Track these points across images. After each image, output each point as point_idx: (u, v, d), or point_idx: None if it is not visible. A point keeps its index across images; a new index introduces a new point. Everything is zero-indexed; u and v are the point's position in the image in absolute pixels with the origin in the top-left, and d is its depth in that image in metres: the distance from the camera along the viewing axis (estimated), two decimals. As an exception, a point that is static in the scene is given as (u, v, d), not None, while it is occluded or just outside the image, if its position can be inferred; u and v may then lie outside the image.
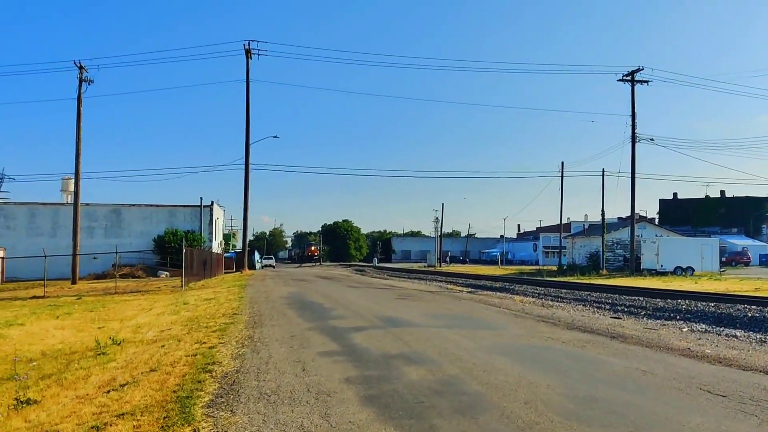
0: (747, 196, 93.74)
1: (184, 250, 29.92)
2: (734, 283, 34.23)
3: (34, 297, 27.89)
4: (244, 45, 47.95)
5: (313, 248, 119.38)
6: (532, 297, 24.03)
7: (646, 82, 48.41)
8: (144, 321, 16.16)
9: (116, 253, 32.58)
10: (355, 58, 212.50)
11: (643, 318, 16.65)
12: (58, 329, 15.95)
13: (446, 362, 8.42)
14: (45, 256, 30.08)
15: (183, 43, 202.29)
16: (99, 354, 10.73)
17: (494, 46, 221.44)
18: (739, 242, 77.36)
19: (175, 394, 6.71)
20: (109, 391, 7.24)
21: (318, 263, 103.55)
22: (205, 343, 10.43)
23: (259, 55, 48.43)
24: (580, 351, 9.79)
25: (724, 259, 60.89)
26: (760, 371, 8.28)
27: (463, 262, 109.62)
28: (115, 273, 47.79)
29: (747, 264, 67.11)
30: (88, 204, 56.01)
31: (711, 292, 24.84)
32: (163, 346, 10.64)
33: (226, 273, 51.21)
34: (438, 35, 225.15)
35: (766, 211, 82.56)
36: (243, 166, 49.26)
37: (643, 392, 6.83)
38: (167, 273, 45.50)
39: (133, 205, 54.79)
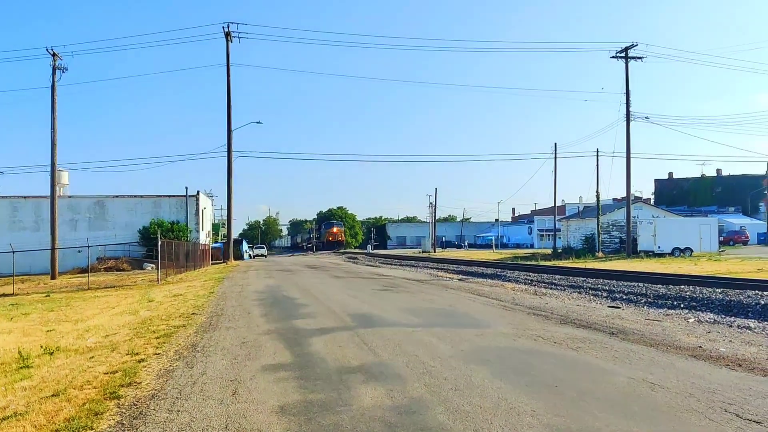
0: (744, 174, 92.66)
1: (159, 243, 28.42)
2: (735, 264, 32.92)
3: (2, 295, 26.39)
4: (223, 27, 46.30)
5: (335, 230, 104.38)
6: (525, 284, 22.66)
7: (640, 58, 47.06)
8: (97, 323, 14.67)
9: (88, 247, 31.07)
10: (349, 40, 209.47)
11: (643, 307, 15.29)
12: (3, 333, 14.50)
13: (413, 377, 6.97)
14: (13, 252, 28.53)
15: (163, 27, 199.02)
16: (22, 367, 9.29)
17: (490, 26, 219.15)
18: (737, 221, 76.19)
19: (56, 435, 5.27)
20: (-18, 430, 5.79)
21: (312, 251, 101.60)
22: (138, 354, 8.96)
23: (239, 38, 46.76)
24: (574, 355, 8.37)
25: (722, 238, 59.63)
26: (791, 379, 6.88)
27: (459, 246, 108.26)
28: (99, 267, 46.50)
29: (745, 243, 65.92)
30: (70, 196, 54.43)
31: (714, 275, 23.46)
32: (92, 357, 9.18)
33: (213, 264, 49.71)
34: (435, 17, 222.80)
35: (764, 189, 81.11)
36: (227, 154, 47.78)
37: (654, 419, 5.39)
38: (152, 265, 43.93)
39: (117, 196, 53.06)
